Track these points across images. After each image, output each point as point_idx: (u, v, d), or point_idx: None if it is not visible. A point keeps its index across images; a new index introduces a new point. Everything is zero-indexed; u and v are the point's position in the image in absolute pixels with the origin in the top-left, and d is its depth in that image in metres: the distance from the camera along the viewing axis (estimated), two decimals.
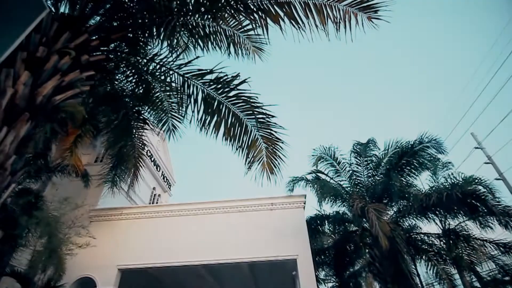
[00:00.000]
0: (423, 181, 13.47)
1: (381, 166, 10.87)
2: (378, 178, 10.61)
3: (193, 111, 4.51)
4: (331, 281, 17.03)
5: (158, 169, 19.40)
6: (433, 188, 9.89)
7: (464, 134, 20.14)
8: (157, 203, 18.73)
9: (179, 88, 4.30)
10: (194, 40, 4.71)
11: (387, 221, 8.57)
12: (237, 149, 4.55)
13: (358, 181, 11.07)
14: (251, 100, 4.30)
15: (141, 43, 3.94)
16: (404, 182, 10.67)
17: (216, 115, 4.34)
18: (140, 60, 4.50)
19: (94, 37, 3.01)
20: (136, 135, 6.08)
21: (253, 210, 11.91)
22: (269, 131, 4.45)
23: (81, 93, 2.86)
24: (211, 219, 11.80)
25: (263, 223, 11.41)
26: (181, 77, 4.23)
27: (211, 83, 4.16)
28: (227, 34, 4.88)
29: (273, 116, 4.44)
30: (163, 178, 20.19)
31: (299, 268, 10.26)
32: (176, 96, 4.90)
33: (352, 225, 13.23)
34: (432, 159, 9.79)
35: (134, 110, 5.09)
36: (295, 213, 11.69)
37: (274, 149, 4.47)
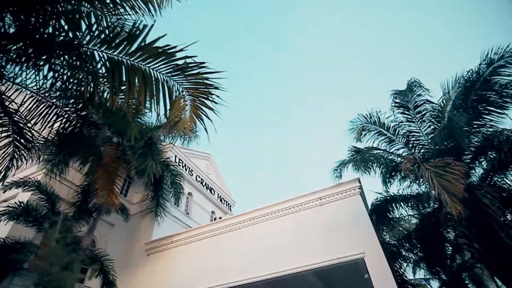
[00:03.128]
0: None
1: (444, 116, 8.16)
2: (444, 131, 7.91)
3: (99, 88, 3.72)
4: (436, 278, 13.36)
5: (213, 193, 19.35)
6: None
7: None
8: None
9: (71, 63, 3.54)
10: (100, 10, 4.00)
11: (466, 180, 6.01)
12: (163, 114, 3.53)
13: (417, 142, 8.50)
14: (165, 50, 3.29)
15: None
16: (485, 126, 7.72)
17: (123, 82, 3.45)
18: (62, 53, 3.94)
19: None
20: (97, 144, 5.61)
21: (301, 210, 10.32)
22: (195, 78, 3.33)
23: None
24: (259, 229, 10.66)
25: (314, 222, 9.72)
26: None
27: (106, 40, 3.27)
28: None
29: (202, 63, 3.32)
30: (221, 201, 20.02)
31: (370, 268, 8.17)
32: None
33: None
34: None
35: (79, 115, 4.61)
36: (350, 202, 9.64)
37: (203, 97, 3.32)
